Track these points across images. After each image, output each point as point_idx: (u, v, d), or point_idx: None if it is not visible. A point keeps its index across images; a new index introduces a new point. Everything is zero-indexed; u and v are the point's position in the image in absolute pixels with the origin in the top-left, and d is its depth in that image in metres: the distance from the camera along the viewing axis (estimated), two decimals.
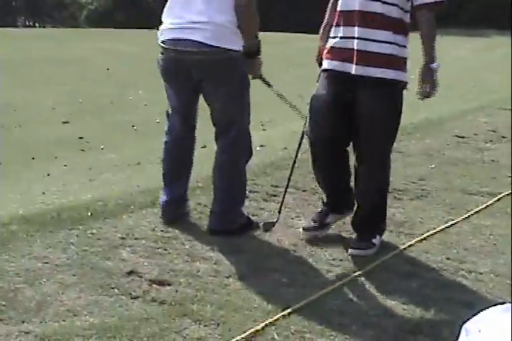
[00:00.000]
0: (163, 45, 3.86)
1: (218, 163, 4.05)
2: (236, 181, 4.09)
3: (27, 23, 58.59)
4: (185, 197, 4.26)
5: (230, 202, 4.08)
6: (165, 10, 3.89)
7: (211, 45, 3.69)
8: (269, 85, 4.15)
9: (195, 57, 3.74)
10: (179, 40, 3.76)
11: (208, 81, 3.85)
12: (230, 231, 3.99)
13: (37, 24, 57.58)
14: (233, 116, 3.97)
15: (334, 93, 3.82)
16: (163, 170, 4.21)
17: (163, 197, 4.19)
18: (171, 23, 3.82)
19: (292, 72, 17.10)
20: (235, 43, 3.75)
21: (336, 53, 3.80)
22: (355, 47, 3.69)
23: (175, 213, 4.19)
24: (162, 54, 3.89)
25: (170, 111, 4.11)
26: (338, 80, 3.81)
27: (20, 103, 12.32)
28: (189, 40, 3.72)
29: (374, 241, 3.90)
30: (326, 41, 3.90)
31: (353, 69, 3.71)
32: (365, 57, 3.68)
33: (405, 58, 3.80)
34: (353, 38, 3.70)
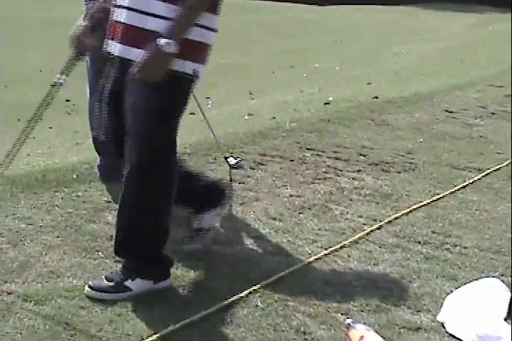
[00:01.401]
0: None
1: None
2: None
3: None
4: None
5: None
6: None
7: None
8: None
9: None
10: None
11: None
12: None
13: None
14: None
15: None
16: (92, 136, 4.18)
17: (98, 161, 4.20)
18: None
19: (284, 42, 16.98)
20: None
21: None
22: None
23: (112, 175, 4.16)
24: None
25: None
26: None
27: (7, 63, 12.17)
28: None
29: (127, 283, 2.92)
30: None
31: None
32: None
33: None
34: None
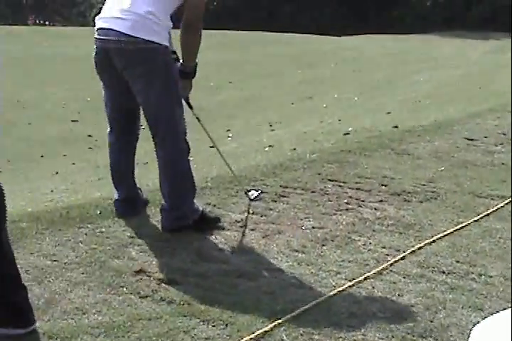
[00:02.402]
0: (94, 36, 3.88)
1: (158, 161, 3.98)
2: (178, 178, 3.98)
3: (37, 22, 58.67)
4: (136, 196, 4.28)
5: (176, 199, 4.00)
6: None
7: (129, 35, 3.69)
8: (190, 107, 4.08)
9: (114, 45, 3.74)
10: (103, 29, 3.80)
11: (127, 71, 3.80)
12: (181, 228, 3.96)
13: (47, 22, 57.67)
14: (158, 111, 3.87)
15: None
16: (111, 172, 4.23)
17: (114, 196, 4.23)
18: (103, 14, 3.88)
19: (302, 73, 17.07)
20: (156, 36, 3.73)
21: None
22: None
23: (128, 211, 4.21)
24: (95, 46, 3.90)
25: (106, 110, 4.09)
26: None
27: (29, 100, 12.37)
28: (111, 29, 3.74)
29: None
30: None
31: None
32: None
33: None
34: None
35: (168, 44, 3.80)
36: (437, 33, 28.21)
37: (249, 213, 4.37)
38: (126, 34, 3.69)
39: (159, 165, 3.98)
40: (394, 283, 3.49)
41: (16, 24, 35.77)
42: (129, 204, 4.23)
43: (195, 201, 4.08)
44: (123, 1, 3.78)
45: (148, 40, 3.70)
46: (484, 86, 12.81)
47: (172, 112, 3.87)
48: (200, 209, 4.10)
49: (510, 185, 5.16)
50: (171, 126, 3.89)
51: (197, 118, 4.14)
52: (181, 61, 3.90)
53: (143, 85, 3.80)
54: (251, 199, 4.48)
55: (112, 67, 3.82)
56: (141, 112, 4.04)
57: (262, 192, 4.61)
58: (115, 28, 3.72)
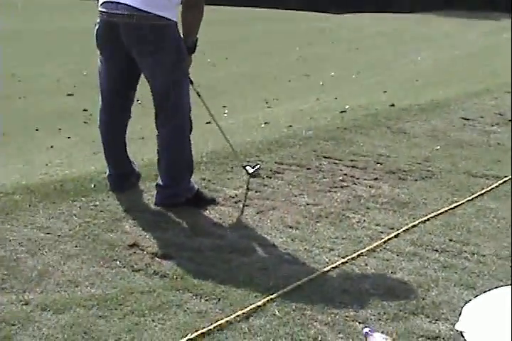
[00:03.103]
0: (99, 9, 3.80)
1: (159, 137, 3.95)
2: (178, 155, 3.98)
3: None
4: (130, 171, 4.26)
5: (172, 176, 3.99)
6: None
7: (141, 10, 3.62)
8: (191, 83, 4.01)
9: (124, 20, 3.66)
10: (111, 2, 3.70)
11: (136, 47, 3.74)
12: (174, 205, 3.96)
13: None
14: (165, 87, 3.82)
15: None
16: (103, 148, 4.19)
17: (107, 172, 4.22)
18: None
19: (299, 50, 16.99)
20: (168, 11, 3.67)
21: None
22: None
23: (122, 185, 4.20)
24: (98, 20, 3.83)
25: (100, 85, 4.02)
26: None
27: (24, 74, 12.28)
28: (120, 3, 3.66)
29: None
30: None
31: None
32: None
33: None
34: None
35: (177, 20, 3.74)
36: (437, 13, 28.08)
37: (248, 189, 4.36)
38: (138, 9, 3.61)
39: (159, 142, 3.95)
40: (387, 260, 3.50)
41: None
42: (123, 178, 4.22)
43: (191, 179, 4.07)
44: None
45: (160, 16, 3.64)
46: (482, 66, 12.78)
47: (180, 89, 3.84)
48: (196, 187, 4.09)
49: (510, 165, 5.16)
50: (178, 103, 3.86)
51: (197, 93, 4.11)
52: (182, 36, 3.85)
53: (152, 62, 3.75)
54: (249, 174, 4.46)
55: (117, 41, 3.73)
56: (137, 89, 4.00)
57: (260, 167, 4.59)
58: (125, 2, 3.63)
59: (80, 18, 18.95)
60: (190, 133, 3.96)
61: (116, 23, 3.69)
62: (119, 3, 3.66)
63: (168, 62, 3.76)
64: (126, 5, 3.63)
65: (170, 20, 3.68)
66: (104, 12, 3.75)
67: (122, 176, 4.22)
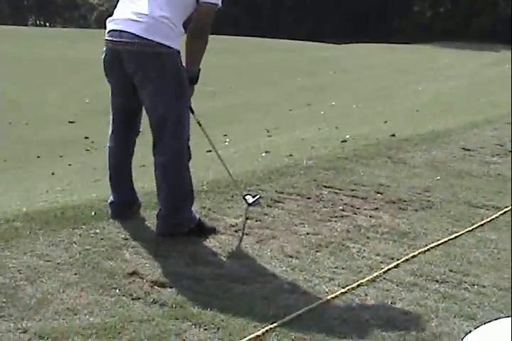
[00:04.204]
0: (105, 38, 3.85)
1: (157, 166, 3.93)
2: (177, 184, 3.95)
3: (37, 22, 58.73)
4: (132, 200, 4.27)
5: (173, 206, 3.98)
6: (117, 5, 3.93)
7: (143, 37, 3.66)
8: (192, 112, 4.02)
9: (127, 48, 3.70)
10: (115, 31, 3.76)
11: (137, 75, 3.76)
12: (176, 234, 3.95)
13: (47, 23, 57.74)
14: (166, 116, 3.82)
15: None
16: (109, 176, 4.20)
17: (110, 198, 4.22)
18: (115, 16, 3.84)
19: (301, 80, 17.09)
20: (170, 40, 3.70)
21: None
22: None
23: (123, 213, 4.21)
24: (105, 48, 3.87)
25: (112, 113, 4.07)
26: None
27: (27, 101, 12.36)
28: (124, 31, 3.71)
29: None
30: None
31: None
32: None
33: None
34: None
35: (179, 49, 3.78)
36: (437, 44, 28.30)
37: (246, 218, 4.36)
38: (140, 36, 3.65)
39: (158, 171, 3.93)
40: (387, 290, 3.49)
41: (16, 24, 35.81)
42: (125, 207, 4.23)
43: (192, 209, 4.07)
44: (136, 3, 3.74)
45: (162, 44, 3.67)
46: (482, 97, 12.84)
47: (180, 117, 3.85)
48: (197, 217, 4.09)
49: (511, 195, 5.16)
50: (177, 131, 3.85)
51: (198, 122, 4.13)
52: (185, 66, 3.88)
53: (153, 89, 3.76)
54: (249, 204, 4.46)
55: (121, 69, 3.77)
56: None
57: (260, 197, 4.60)
58: (129, 30, 3.68)
59: (82, 47, 19.14)
60: (189, 161, 3.97)
61: (120, 50, 3.74)
62: (122, 31, 3.72)
63: (169, 90, 3.78)
64: (129, 33, 3.68)
65: (171, 48, 3.71)
66: (109, 40, 3.81)
67: (125, 204, 4.22)
